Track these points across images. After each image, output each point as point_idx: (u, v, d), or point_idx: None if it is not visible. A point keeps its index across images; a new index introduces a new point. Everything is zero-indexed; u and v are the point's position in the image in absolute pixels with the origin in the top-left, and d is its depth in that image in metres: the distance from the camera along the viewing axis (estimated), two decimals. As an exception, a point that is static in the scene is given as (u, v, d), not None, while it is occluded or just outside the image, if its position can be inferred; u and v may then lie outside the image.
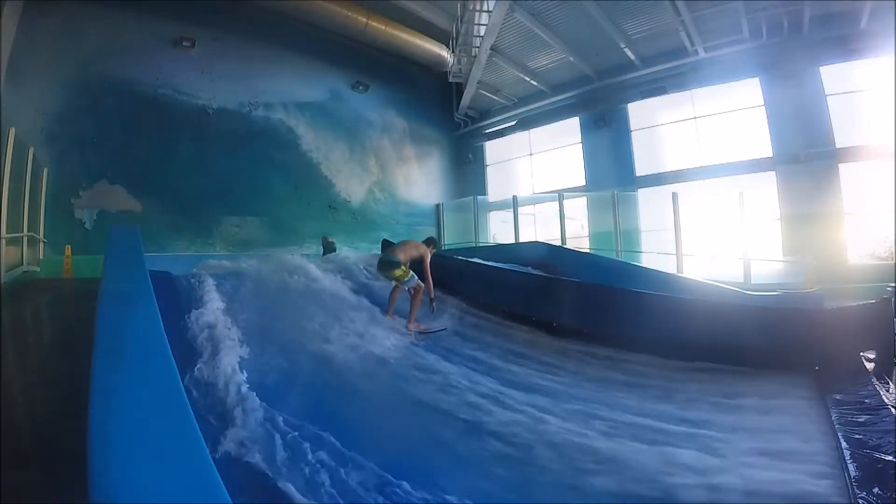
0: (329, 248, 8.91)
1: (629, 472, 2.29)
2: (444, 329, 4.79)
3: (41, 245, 7.01)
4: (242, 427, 2.31)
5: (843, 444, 2.36)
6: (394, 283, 4.95)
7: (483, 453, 2.49)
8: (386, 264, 4.87)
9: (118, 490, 0.93)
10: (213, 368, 2.79)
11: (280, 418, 2.45)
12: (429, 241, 5.27)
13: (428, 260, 4.99)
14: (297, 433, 2.34)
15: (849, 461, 2.20)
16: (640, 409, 3.11)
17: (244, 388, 2.64)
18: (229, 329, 3.39)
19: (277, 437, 2.29)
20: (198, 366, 2.83)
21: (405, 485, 2.09)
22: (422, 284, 4.84)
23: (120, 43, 8.58)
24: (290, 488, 1.96)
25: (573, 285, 5.51)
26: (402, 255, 4.90)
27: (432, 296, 4.92)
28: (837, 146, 8.81)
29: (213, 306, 3.69)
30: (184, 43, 9.35)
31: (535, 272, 6.71)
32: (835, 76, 8.89)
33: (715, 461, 2.36)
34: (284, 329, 3.75)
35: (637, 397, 3.34)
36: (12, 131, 5.34)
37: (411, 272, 4.86)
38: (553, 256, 7.59)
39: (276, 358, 3.27)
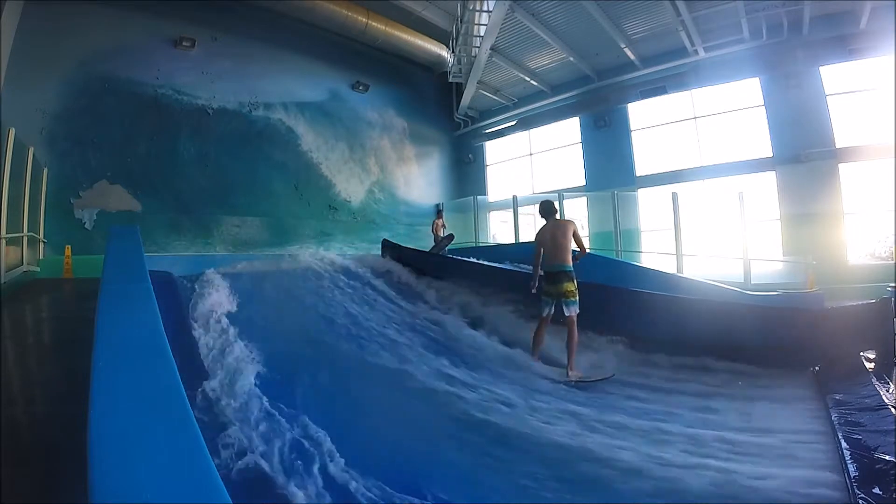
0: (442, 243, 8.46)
1: (622, 468, 2.29)
2: (613, 375, 3.69)
3: (41, 245, 7.00)
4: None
5: (843, 444, 2.36)
6: (550, 305, 3.79)
7: None
8: (562, 276, 3.72)
9: (118, 490, 0.92)
10: None
11: None
12: (549, 210, 4.14)
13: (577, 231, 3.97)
14: None
15: (849, 461, 2.20)
16: (639, 408, 3.11)
17: None
18: None
19: None
20: None
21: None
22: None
23: (120, 43, 8.57)
24: None
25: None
26: (570, 256, 3.78)
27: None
28: (837, 146, 8.81)
29: None
30: (184, 43, 9.34)
31: None
32: (835, 76, 8.89)
33: (714, 461, 2.36)
34: None
35: (635, 396, 3.34)
36: (12, 131, 5.32)
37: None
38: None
39: None
